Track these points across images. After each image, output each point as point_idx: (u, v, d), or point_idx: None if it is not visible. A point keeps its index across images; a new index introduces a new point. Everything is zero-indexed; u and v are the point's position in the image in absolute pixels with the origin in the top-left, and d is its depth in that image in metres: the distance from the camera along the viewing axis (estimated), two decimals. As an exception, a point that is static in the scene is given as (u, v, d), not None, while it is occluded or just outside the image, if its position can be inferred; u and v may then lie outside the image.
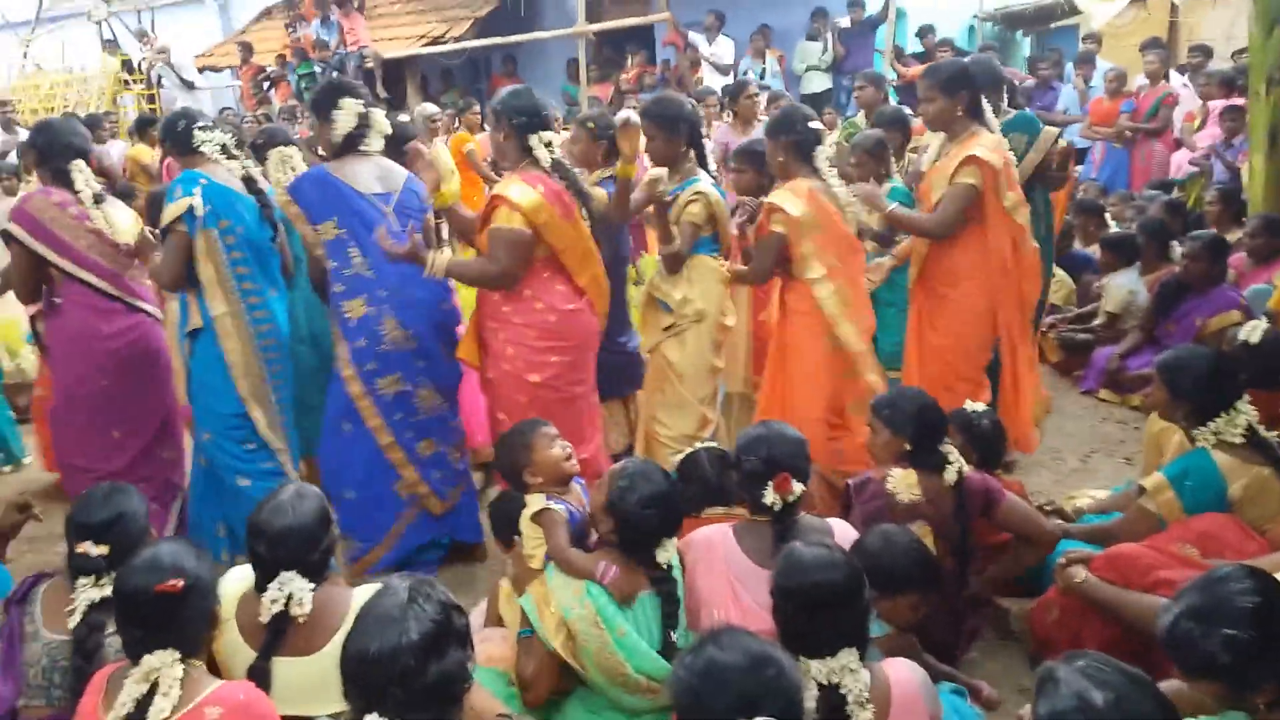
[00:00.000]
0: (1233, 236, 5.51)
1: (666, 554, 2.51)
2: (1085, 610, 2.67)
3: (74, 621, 2.29)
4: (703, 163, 3.92)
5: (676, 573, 2.55)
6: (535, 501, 2.77)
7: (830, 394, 3.74)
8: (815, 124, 3.84)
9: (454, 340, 3.67)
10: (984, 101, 3.92)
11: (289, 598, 2.23)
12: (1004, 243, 3.82)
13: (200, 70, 13.95)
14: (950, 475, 2.86)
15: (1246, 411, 2.91)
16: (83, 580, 2.32)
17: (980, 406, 3.43)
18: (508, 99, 3.51)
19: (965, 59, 3.96)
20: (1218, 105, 7.60)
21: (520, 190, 3.35)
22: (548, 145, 3.46)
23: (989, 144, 3.77)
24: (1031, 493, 3.76)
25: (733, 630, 1.81)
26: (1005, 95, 4.53)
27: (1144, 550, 2.66)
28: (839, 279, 3.68)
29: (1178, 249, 5.32)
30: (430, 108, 8.14)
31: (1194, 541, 2.69)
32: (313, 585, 2.26)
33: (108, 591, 2.25)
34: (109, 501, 2.43)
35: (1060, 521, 3.35)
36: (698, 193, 3.77)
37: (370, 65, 11.92)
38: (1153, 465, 3.29)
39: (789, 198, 3.63)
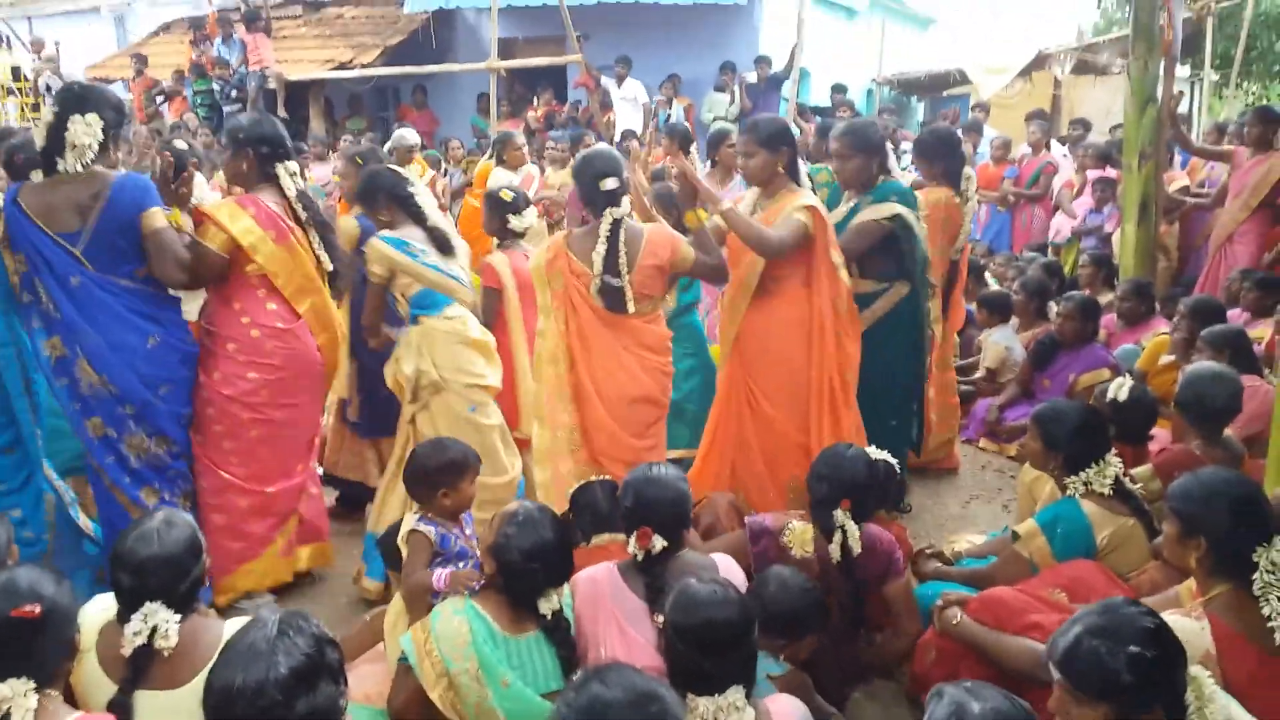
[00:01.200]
0: (1104, 299, 5.83)
1: (549, 604, 2.46)
2: (961, 651, 2.74)
3: None
4: None
5: (569, 611, 2.53)
6: (409, 521, 2.84)
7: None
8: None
9: (179, 382, 3.40)
10: (799, 163, 3.90)
11: (153, 630, 2.12)
12: (826, 300, 3.70)
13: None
14: (835, 548, 2.88)
15: (1114, 464, 3.06)
16: None
17: (882, 454, 3.47)
18: (251, 128, 3.54)
19: (781, 119, 3.94)
20: (1094, 175, 8.10)
21: (230, 212, 3.41)
22: (293, 175, 3.53)
23: (811, 202, 3.71)
24: (913, 536, 3.89)
25: (617, 666, 1.80)
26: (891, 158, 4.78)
27: (1016, 594, 2.76)
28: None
29: (1054, 308, 5.61)
30: (410, 136, 7.68)
31: (1064, 586, 2.79)
32: (179, 617, 2.15)
33: None
34: None
35: (939, 564, 3.45)
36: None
37: (272, 86, 11.68)
38: (1026, 512, 3.43)
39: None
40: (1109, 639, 1.85)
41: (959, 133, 5.88)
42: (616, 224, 3.42)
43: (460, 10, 13.08)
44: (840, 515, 2.88)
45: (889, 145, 4.12)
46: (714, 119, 11.27)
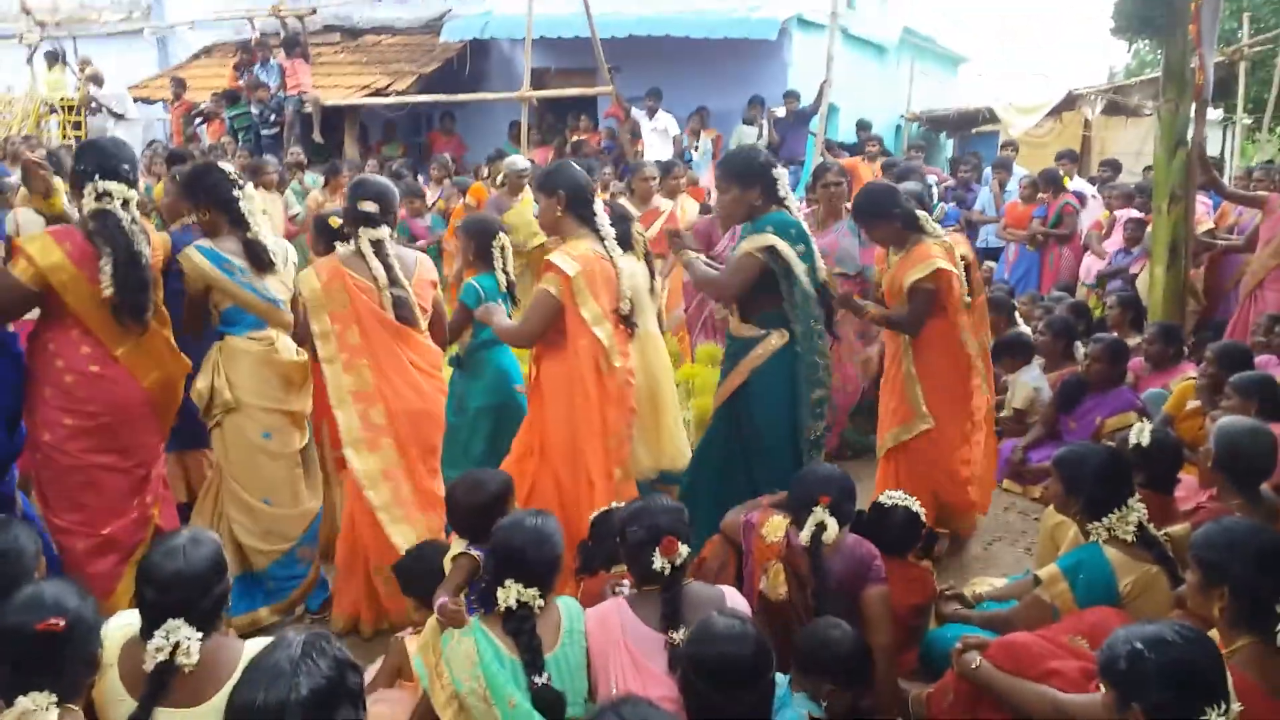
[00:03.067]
0: (1131, 341, 5.79)
1: (507, 595, 2.46)
2: (980, 695, 2.72)
3: None
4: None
5: (579, 639, 2.56)
6: (458, 544, 2.86)
7: None
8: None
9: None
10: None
11: (175, 646, 2.13)
12: (587, 361, 3.48)
13: (134, 100, 13.73)
14: (805, 533, 2.95)
15: (1138, 510, 3.03)
16: None
17: (900, 496, 3.46)
18: (85, 154, 3.30)
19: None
20: (1123, 215, 8.06)
21: (42, 246, 3.14)
22: (100, 196, 3.22)
23: (577, 250, 3.50)
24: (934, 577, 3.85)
25: (634, 699, 1.81)
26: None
27: (1036, 640, 2.73)
28: None
29: (1080, 349, 5.57)
30: (520, 161, 7.59)
31: (1085, 633, 2.75)
32: (201, 634, 2.17)
33: None
34: None
35: (960, 607, 3.42)
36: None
37: (309, 110, 11.88)
38: (1048, 557, 3.40)
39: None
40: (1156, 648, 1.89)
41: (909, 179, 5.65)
42: (378, 244, 3.49)
43: (495, 40, 13.28)
44: (819, 511, 2.93)
45: (779, 173, 3.69)
46: (742, 151, 11.40)
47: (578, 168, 3.73)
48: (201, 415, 3.57)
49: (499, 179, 7.51)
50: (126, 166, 3.29)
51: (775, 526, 3.04)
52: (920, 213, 4.10)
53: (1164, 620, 2.19)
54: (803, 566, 2.96)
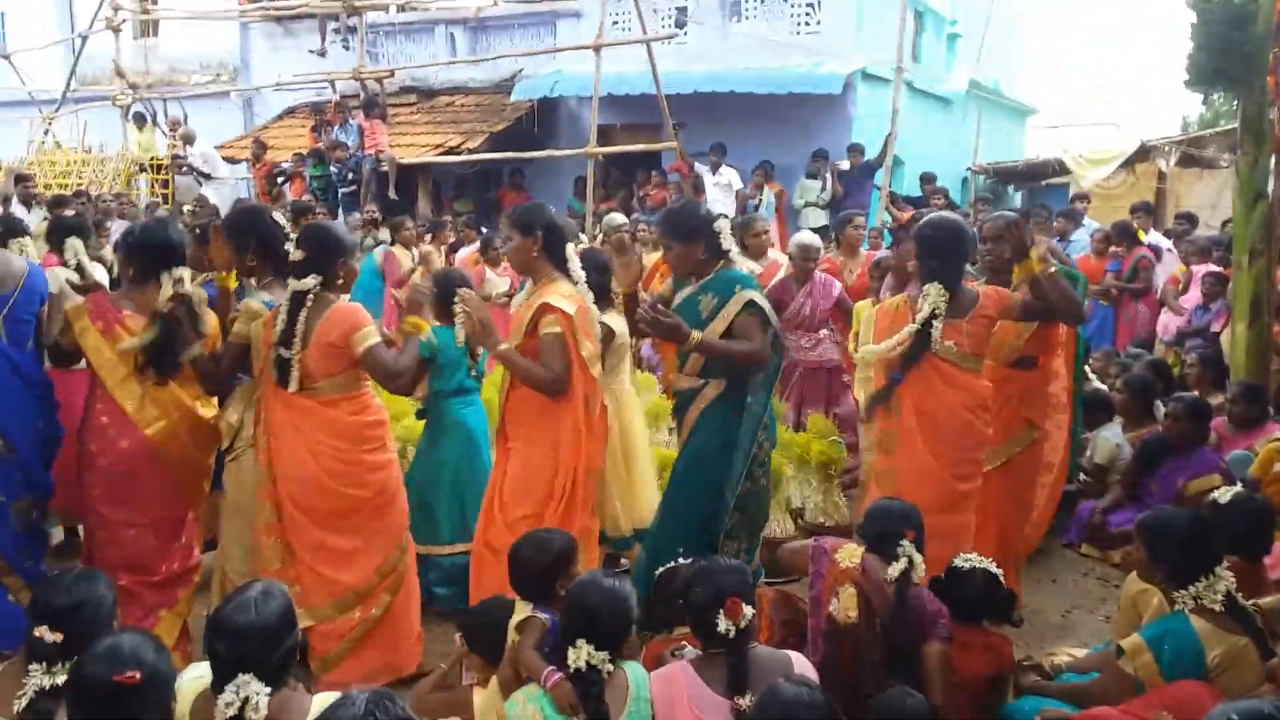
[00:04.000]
0: (1214, 401, 5.60)
1: (578, 656, 2.47)
2: (1060, 772, 2.62)
3: (19, 707, 2.22)
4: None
5: (644, 705, 2.53)
6: (522, 609, 2.82)
7: None
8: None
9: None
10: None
11: (245, 702, 2.15)
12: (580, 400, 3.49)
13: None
14: (894, 569, 2.96)
15: (1226, 578, 2.91)
16: (34, 666, 2.27)
17: (976, 559, 3.36)
18: (137, 237, 3.53)
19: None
20: (1199, 270, 7.85)
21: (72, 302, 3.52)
22: (177, 281, 3.42)
23: (565, 291, 3.53)
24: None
25: None
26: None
27: (1120, 715, 2.64)
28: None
29: (1160, 409, 5.40)
30: (618, 218, 7.74)
31: (1170, 708, 2.65)
32: (269, 689, 2.18)
33: (59, 680, 2.21)
34: (73, 587, 2.40)
35: (1038, 678, 3.30)
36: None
37: (385, 169, 12.26)
38: (1129, 626, 3.27)
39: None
40: None
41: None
42: (296, 295, 3.38)
43: (564, 99, 13.59)
44: (907, 545, 2.96)
45: (720, 226, 3.69)
46: (805, 204, 11.42)
47: (552, 210, 3.79)
48: (225, 447, 3.64)
49: (599, 236, 7.60)
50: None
51: (851, 552, 3.07)
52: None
53: (1264, 699, 2.09)
54: (878, 596, 2.96)
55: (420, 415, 4.42)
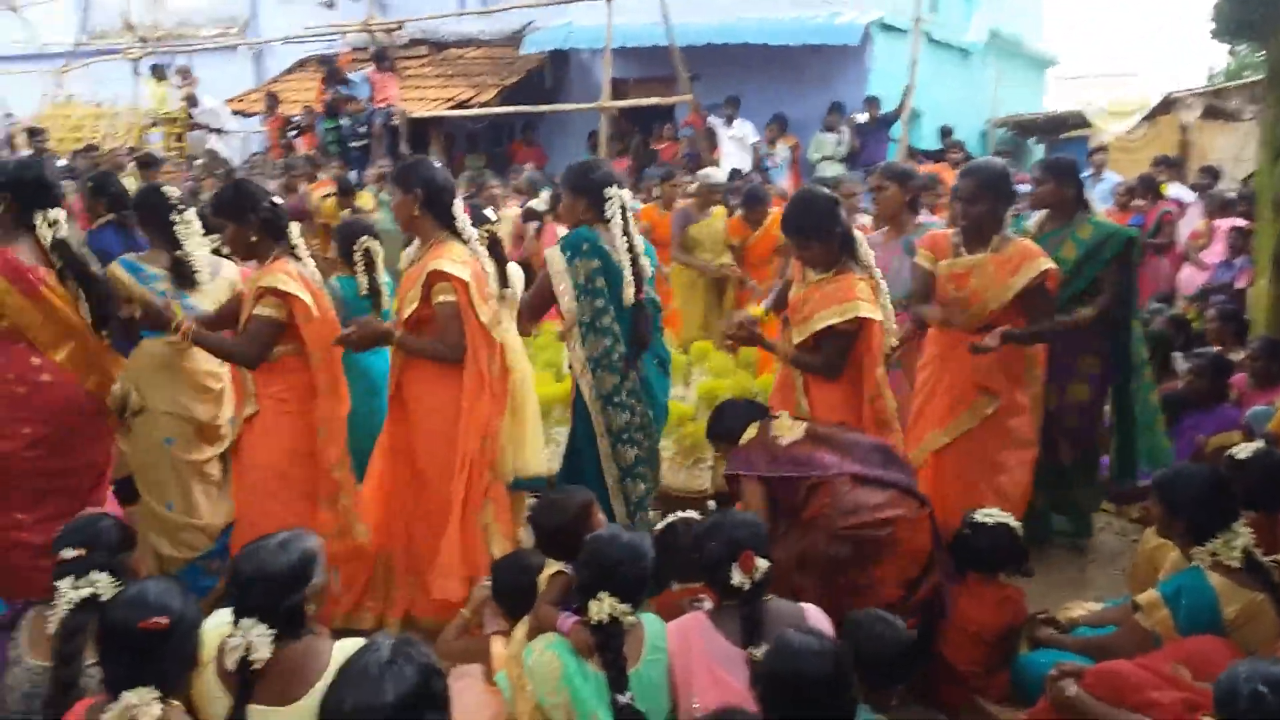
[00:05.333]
0: (1234, 357, 5.55)
1: (600, 609, 2.45)
2: (1074, 725, 2.63)
3: (53, 625, 2.33)
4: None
5: (660, 655, 2.55)
6: (553, 564, 2.84)
7: None
8: None
9: None
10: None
11: (249, 646, 2.16)
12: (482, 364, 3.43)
13: (232, 114, 14.25)
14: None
15: (1244, 534, 2.90)
16: (62, 583, 2.36)
17: (997, 512, 3.37)
18: (14, 170, 3.41)
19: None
20: (1222, 224, 7.73)
21: None
22: (53, 224, 3.33)
23: (456, 255, 3.43)
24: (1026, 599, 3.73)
25: (732, 710, 1.80)
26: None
27: (1135, 669, 2.63)
28: None
29: (1180, 363, 5.36)
30: (717, 174, 7.23)
31: (1186, 662, 2.65)
32: (273, 633, 2.17)
33: (85, 593, 2.33)
34: (85, 519, 2.64)
35: (1053, 632, 3.31)
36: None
37: (396, 123, 12.16)
38: (1146, 581, 3.27)
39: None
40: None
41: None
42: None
43: (575, 51, 13.42)
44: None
45: (610, 192, 3.59)
46: (821, 158, 11.27)
47: (439, 166, 3.65)
48: (115, 418, 3.60)
49: (693, 190, 7.03)
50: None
51: (786, 424, 3.31)
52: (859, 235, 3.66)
53: None
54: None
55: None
